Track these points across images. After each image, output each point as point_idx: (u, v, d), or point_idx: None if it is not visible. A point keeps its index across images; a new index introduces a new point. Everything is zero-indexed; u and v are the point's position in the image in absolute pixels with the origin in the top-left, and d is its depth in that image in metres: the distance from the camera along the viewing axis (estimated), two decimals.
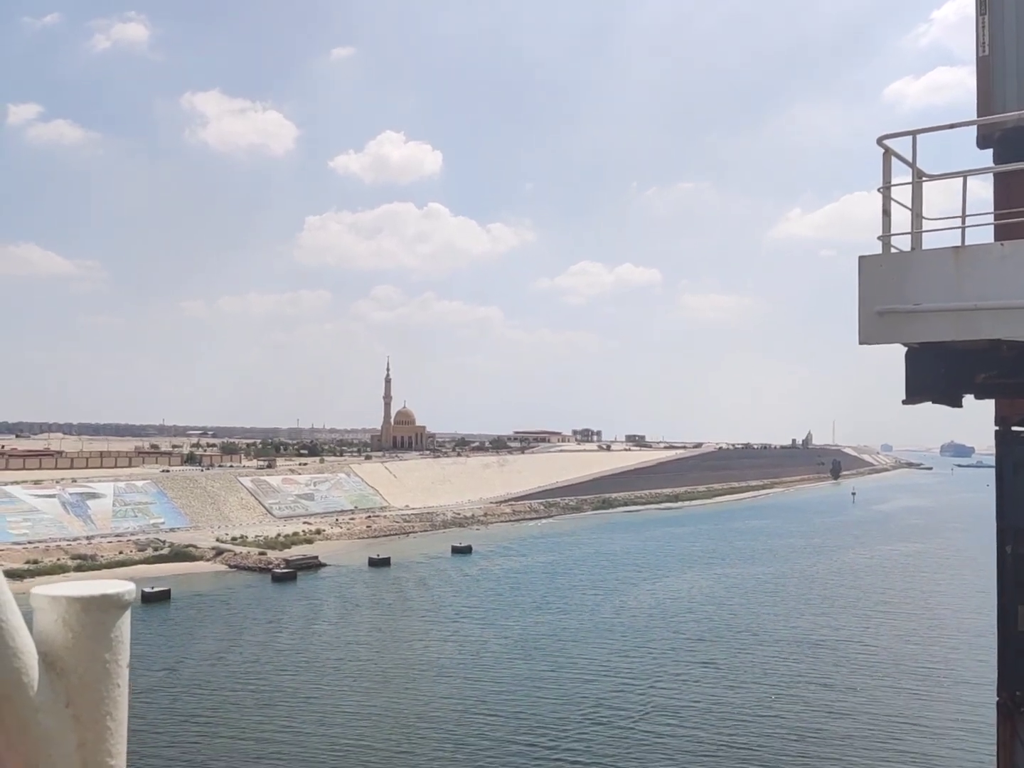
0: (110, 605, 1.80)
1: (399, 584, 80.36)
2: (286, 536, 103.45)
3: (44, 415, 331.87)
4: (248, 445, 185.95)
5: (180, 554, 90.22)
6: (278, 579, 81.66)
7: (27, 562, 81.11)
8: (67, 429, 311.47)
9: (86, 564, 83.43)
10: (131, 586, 1.86)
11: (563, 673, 48.78)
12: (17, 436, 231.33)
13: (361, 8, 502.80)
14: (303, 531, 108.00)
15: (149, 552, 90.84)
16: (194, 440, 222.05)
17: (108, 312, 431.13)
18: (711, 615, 65.21)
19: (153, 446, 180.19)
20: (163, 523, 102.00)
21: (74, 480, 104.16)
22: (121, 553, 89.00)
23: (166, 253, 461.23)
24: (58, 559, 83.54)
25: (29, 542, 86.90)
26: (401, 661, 51.98)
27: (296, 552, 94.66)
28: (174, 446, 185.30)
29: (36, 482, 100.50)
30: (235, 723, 40.03)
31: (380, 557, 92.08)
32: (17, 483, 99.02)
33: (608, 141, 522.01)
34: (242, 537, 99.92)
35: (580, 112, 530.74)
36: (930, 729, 39.18)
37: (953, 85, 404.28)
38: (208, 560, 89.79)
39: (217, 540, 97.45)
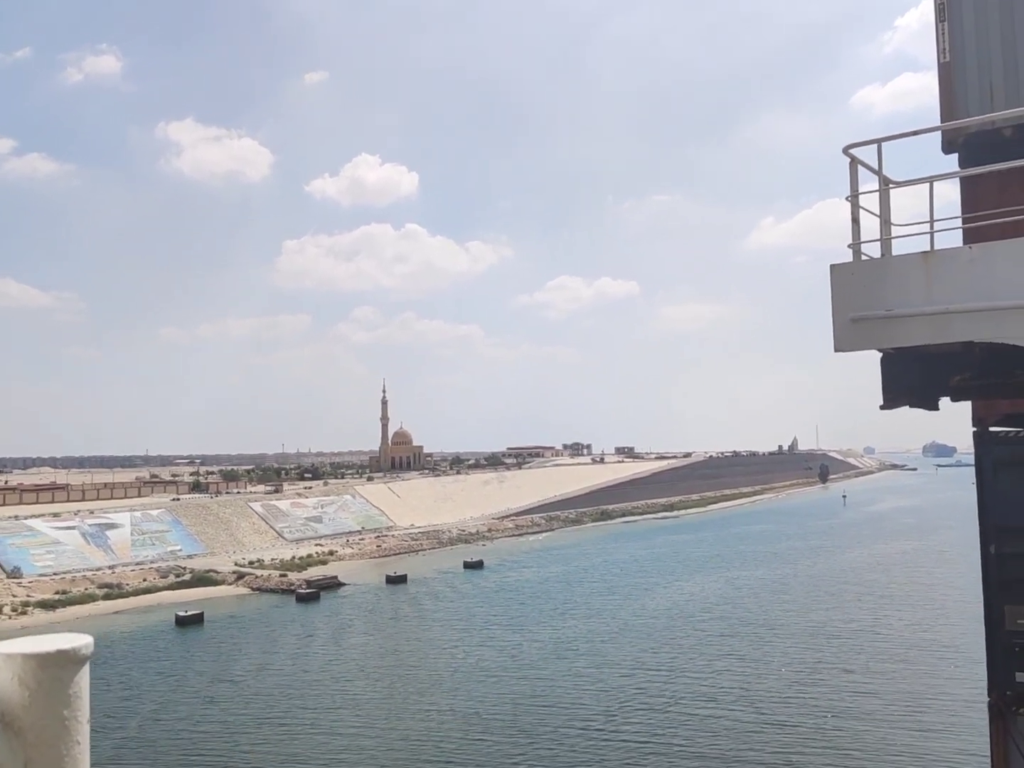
0: (67, 660, 1.76)
1: (419, 599, 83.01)
2: (301, 558, 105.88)
3: (25, 450, 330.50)
4: (247, 471, 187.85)
5: (202, 579, 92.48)
6: (302, 599, 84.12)
7: (56, 593, 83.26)
8: (51, 463, 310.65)
9: (113, 593, 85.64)
10: (88, 639, 1.84)
11: (598, 671, 51.91)
12: (1, 471, 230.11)
13: (333, 32, 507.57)
14: (316, 553, 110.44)
15: (171, 579, 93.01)
16: (181, 469, 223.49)
17: (86, 343, 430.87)
18: (726, 613, 68.57)
19: (154, 476, 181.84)
20: (180, 550, 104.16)
21: (91, 512, 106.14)
22: (145, 580, 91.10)
23: (143, 282, 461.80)
24: (85, 589, 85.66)
25: (55, 573, 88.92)
26: (440, 668, 54.76)
27: (313, 573, 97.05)
28: (174, 475, 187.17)
29: (55, 515, 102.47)
30: (283, 733, 42.59)
31: (397, 575, 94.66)
32: (36, 516, 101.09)
33: (582, 156, 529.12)
34: (259, 561, 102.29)
35: (554, 128, 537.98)
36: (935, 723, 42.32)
37: (919, 91, 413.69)
38: (230, 584, 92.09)
39: (236, 565, 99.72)
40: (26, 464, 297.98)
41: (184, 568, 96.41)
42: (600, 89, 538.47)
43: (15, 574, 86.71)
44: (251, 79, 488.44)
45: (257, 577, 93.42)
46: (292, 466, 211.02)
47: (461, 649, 59.84)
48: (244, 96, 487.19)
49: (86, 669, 1.79)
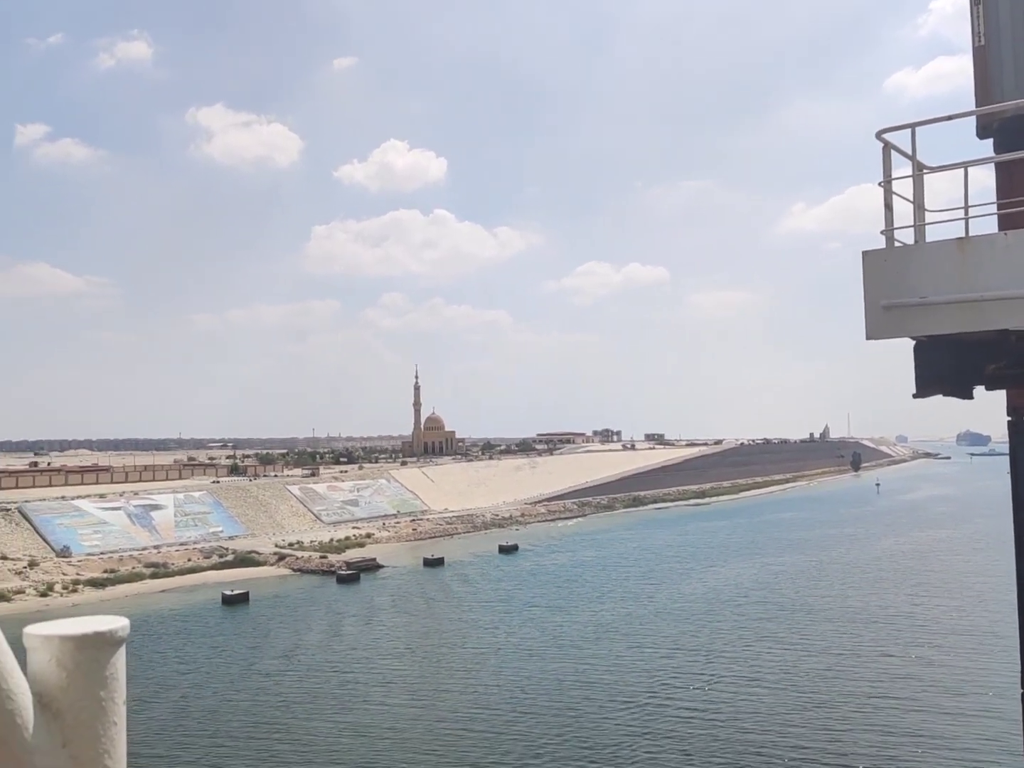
0: (104, 642, 1.77)
1: (457, 581, 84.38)
2: (339, 540, 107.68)
3: (59, 432, 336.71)
4: (282, 455, 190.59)
5: (244, 560, 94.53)
6: (343, 580, 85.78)
7: (104, 572, 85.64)
8: (87, 445, 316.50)
9: (160, 572, 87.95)
10: (124, 621, 1.84)
11: (640, 651, 53.02)
12: (36, 454, 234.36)
13: (362, 18, 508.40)
14: (354, 535, 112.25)
15: (215, 559, 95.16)
16: (215, 452, 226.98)
17: (119, 328, 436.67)
18: (763, 598, 69.29)
19: (191, 459, 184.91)
20: (222, 531, 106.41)
21: (135, 493, 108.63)
22: (189, 561, 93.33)
23: (175, 267, 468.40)
24: (132, 568, 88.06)
25: (102, 553, 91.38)
26: (483, 647, 56.00)
27: (351, 555, 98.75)
28: (210, 458, 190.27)
29: (100, 496, 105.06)
30: (336, 707, 44.03)
31: (434, 557, 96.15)
32: (82, 497, 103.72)
33: (611, 141, 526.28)
34: (299, 543, 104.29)
35: (583, 114, 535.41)
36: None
37: (954, 74, 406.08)
38: (271, 565, 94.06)
39: (276, 546, 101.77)
40: (62, 447, 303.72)
41: (226, 549, 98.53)
42: (629, 74, 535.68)
43: (64, 553, 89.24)
44: (281, 65, 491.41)
45: (298, 558, 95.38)
46: (325, 450, 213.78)
47: (502, 629, 61.12)
48: (274, 82, 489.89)
49: (122, 651, 1.83)
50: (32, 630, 1.74)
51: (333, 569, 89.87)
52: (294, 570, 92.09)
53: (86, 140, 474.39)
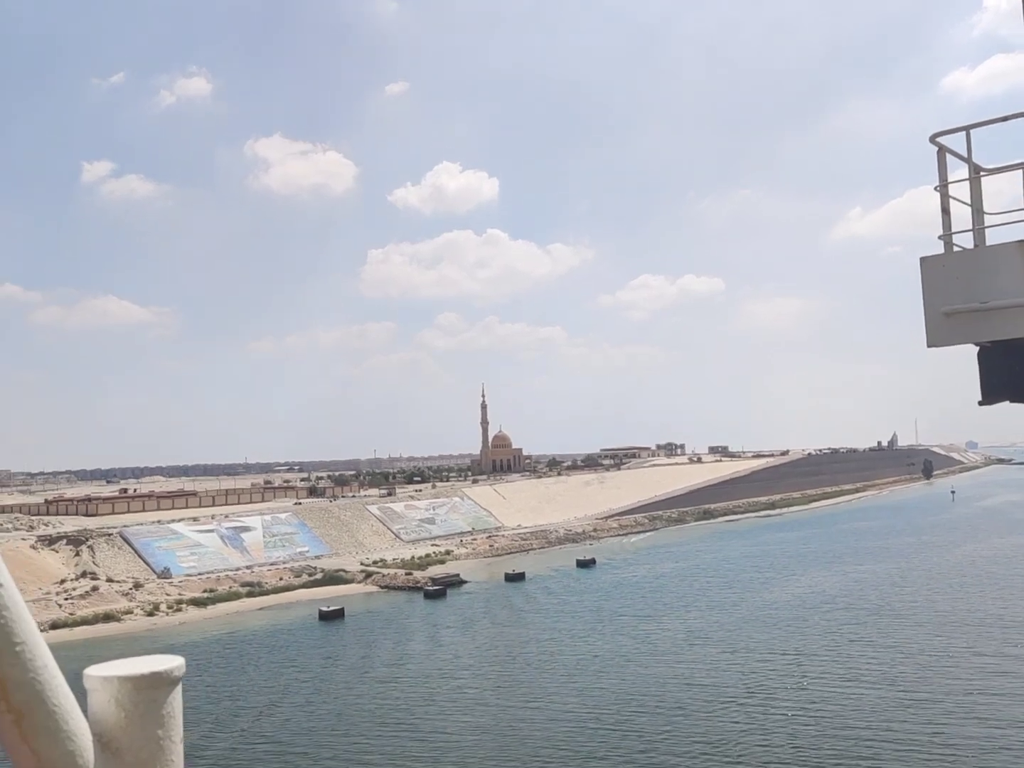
0: (161, 682, 1.78)
1: (541, 594, 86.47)
2: (420, 558, 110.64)
3: (130, 460, 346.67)
4: (355, 476, 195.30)
5: (333, 578, 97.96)
6: (430, 596, 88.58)
7: (204, 591, 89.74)
8: (157, 472, 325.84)
9: (256, 591, 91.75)
10: (180, 660, 1.85)
11: (733, 655, 54.67)
12: (108, 482, 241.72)
13: (412, 43, 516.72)
14: (434, 552, 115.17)
15: (304, 578, 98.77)
16: (282, 475, 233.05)
17: (183, 356, 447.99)
18: (850, 604, 70.22)
19: (267, 482, 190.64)
20: (308, 551, 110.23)
21: (226, 516, 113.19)
22: (281, 580, 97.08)
23: (235, 295, 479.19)
24: (230, 587, 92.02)
25: (199, 573, 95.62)
26: (580, 655, 58.04)
27: (434, 572, 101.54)
28: (286, 481, 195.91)
29: (193, 519, 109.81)
30: (436, 713, 46.50)
31: (516, 572, 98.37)
32: (176, 520, 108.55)
33: (662, 153, 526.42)
34: (382, 560, 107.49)
35: (631, 126, 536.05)
36: None
37: (1011, 72, 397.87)
38: (359, 583, 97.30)
39: (361, 564, 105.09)
40: (135, 474, 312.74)
41: (315, 568, 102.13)
42: (678, 84, 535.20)
43: (165, 575, 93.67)
44: (335, 93, 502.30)
45: (384, 576, 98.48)
46: (392, 470, 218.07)
47: (596, 638, 63.13)
48: (328, 110, 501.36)
49: (179, 690, 1.86)
50: (92, 671, 1.79)
51: (419, 585, 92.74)
52: (381, 587, 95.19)
53: (149, 175, 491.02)
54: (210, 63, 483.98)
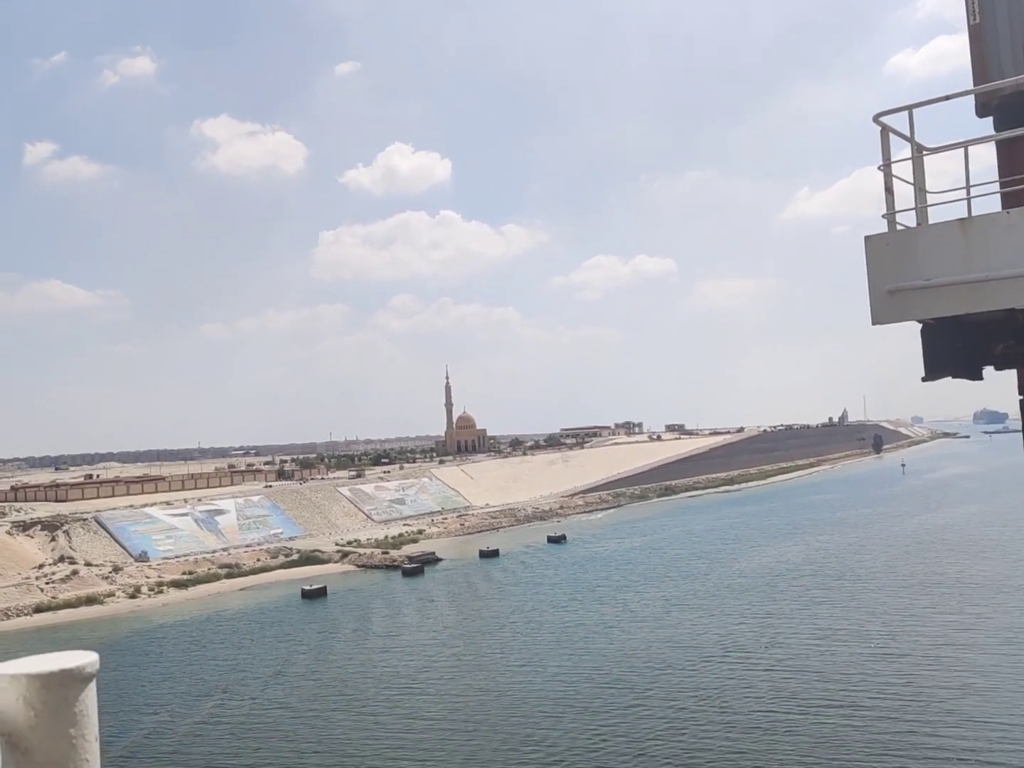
0: (72, 679, 1.74)
1: (518, 570, 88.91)
2: (393, 537, 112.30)
3: (80, 446, 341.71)
4: (321, 458, 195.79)
5: (310, 558, 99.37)
6: (408, 573, 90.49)
7: (183, 573, 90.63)
8: (109, 458, 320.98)
9: (234, 572, 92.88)
10: (93, 656, 1.81)
11: (712, 619, 57.77)
12: (57, 469, 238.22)
13: (362, 23, 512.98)
14: (406, 532, 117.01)
15: (281, 558, 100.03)
16: (239, 460, 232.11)
17: (132, 340, 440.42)
18: (817, 571, 73.94)
19: (231, 466, 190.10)
20: (282, 533, 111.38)
21: (199, 500, 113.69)
22: (258, 561, 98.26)
23: (184, 278, 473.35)
24: (208, 569, 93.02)
25: (176, 556, 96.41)
26: (567, 624, 60.51)
27: (408, 551, 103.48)
28: (249, 465, 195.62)
29: (167, 503, 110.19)
30: (440, 684, 48.77)
31: (490, 549, 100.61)
32: (150, 505, 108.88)
33: (614, 136, 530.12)
34: (356, 541, 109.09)
35: (584, 109, 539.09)
36: None
37: (954, 54, 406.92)
38: (336, 562, 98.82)
39: (336, 544, 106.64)
40: (84, 460, 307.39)
41: (290, 549, 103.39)
42: (628, 68, 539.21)
43: (143, 558, 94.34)
44: (284, 73, 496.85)
45: (360, 555, 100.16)
46: (354, 453, 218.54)
47: (577, 606, 65.81)
48: (277, 90, 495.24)
49: (92, 687, 1.80)
50: None
51: (397, 564, 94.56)
52: (359, 566, 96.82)
53: (94, 156, 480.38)
54: (154, 43, 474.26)
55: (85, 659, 1.82)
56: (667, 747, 35.80)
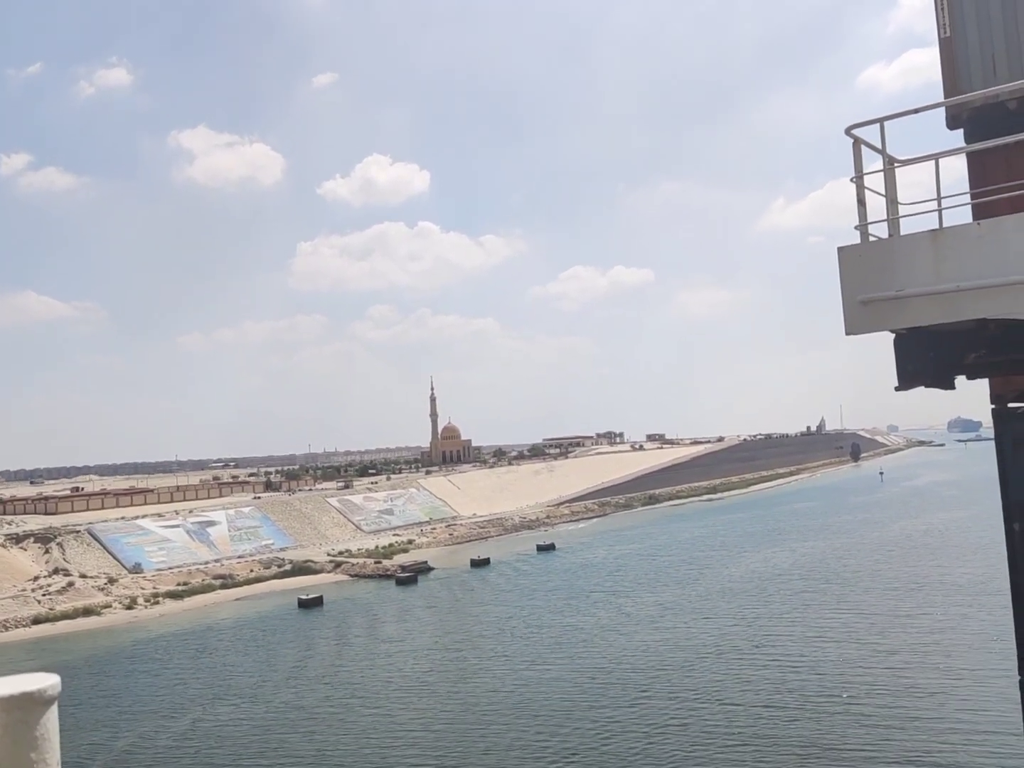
0: (32, 703, 1.70)
1: (511, 576, 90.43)
2: (383, 547, 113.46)
3: (56, 460, 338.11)
4: (305, 470, 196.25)
5: (302, 569, 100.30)
6: (401, 582, 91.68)
7: (178, 584, 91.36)
8: (85, 471, 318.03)
9: (228, 583, 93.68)
10: (55, 679, 1.78)
11: (705, 621, 59.56)
12: (32, 482, 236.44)
13: (340, 35, 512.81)
14: (396, 542, 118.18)
15: (274, 569, 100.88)
16: (218, 472, 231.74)
17: (108, 351, 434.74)
18: (804, 575, 76.08)
19: (215, 478, 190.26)
20: (273, 543, 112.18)
21: (190, 511, 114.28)
22: (252, 571, 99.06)
23: (162, 289, 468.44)
24: (202, 580, 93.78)
25: (170, 568, 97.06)
26: (565, 628, 62.07)
27: (400, 560, 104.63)
28: (233, 476, 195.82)
29: (159, 515, 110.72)
30: (440, 682, 50.23)
31: (481, 558, 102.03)
32: (142, 517, 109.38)
33: (591, 147, 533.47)
34: (347, 551, 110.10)
35: (562, 120, 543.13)
36: None
37: (925, 67, 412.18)
38: (329, 572, 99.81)
39: (328, 555, 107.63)
40: (61, 474, 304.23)
41: (283, 559, 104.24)
42: (605, 80, 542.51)
43: (136, 569, 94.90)
44: (261, 84, 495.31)
45: (353, 565, 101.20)
46: (335, 464, 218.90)
47: (572, 612, 67.44)
48: (255, 101, 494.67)
49: (54, 710, 1.77)
50: None
51: (390, 573, 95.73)
52: (351, 576, 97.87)
53: (69, 168, 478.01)
54: (131, 53, 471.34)
55: (46, 682, 1.82)
56: (670, 743, 37.48)
